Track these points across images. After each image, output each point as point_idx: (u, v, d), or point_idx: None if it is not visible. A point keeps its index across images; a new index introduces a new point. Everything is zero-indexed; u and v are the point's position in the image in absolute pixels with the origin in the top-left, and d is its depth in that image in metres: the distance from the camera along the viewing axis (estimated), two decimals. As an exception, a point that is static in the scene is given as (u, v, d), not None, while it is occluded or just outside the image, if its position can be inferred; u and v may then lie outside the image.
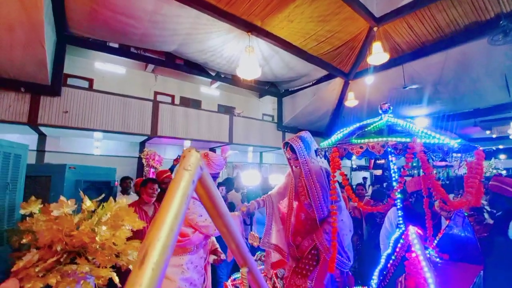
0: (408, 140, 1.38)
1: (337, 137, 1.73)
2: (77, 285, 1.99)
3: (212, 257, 2.24)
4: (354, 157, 1.64)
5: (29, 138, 6.89)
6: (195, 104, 10.15)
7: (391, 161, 1.65)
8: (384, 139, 1.37)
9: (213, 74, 9.17)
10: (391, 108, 1.78)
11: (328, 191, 1.87)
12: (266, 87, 10.62)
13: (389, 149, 1.43)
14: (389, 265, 1.31)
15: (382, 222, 3.47)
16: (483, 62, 6.98)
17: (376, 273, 1.53)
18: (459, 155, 1.44)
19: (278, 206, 2.22)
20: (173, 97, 9.94)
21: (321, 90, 9.40)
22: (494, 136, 10.27)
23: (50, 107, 6.27)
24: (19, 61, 5.14)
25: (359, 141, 1.43)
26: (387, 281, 1.27)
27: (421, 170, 1.89)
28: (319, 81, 9.38)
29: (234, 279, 2.33)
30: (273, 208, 2.16)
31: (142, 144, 8.62)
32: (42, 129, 6.57)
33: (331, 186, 1.74)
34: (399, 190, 1.48)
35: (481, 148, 1.42)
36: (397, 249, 1.27)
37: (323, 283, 1.67)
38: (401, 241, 1.25)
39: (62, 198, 1.96)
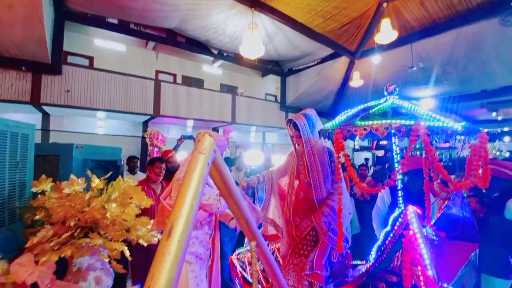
0: (412, 122, 1.39)
1: (341, 119, 1.73)
2: (91, 257, 2.12)
3: (233, 222, 2.28)
4: (357, 138, 1.65)
5: (33, 118, 6.93)
6: (197, 83, 10.02)
7: (394, 142, 1.67)
8: (388, 121, 1.38)
9: (215, 52, 8.96)
10: (397, 89, 1.76)
11: (329, 171, 1.88)
12: (270, 66, 10.38)
13: (392, 131, 1.44)
14: (387, 242, 1.37)
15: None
16: (494, 43, 6.76)
17: (374, 249, 1.60)
18: (462, 137, 1.45)
19: (278, 183, 2.25)
20: (175, 76, 9.80)
21: (325, 69, 9.19)
22: (499, 118, 10.13)
23: (52, 86, 6.25)
24: (19, 39, 5.05)
25: (363, 123, 1.44)
26: (385, 256, 1.34)
27: (424, 151, 1.91)
28: (324, 60, 9.15)
29: (238, 254, 2.45)
30: (272, 184, 2.20)
31: (145, 124, 8.65)
32: (46, 108, 6.60)
33: (336, 167, 1.77)
34: (400, 171, 1.51)
35: (485, 131, 1.43)
36: (396, 227, 1.32)
37: (322, 264, 1.75)
38: (400, 219, 1.31)
39: (72, 176, 2.02)
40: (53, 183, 2.11)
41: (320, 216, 1.81)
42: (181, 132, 8.78)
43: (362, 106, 1.75)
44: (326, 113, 11.60)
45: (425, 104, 8.67)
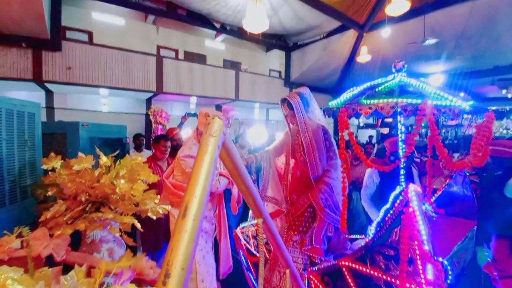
0: (419, 101, 1.37)
1: (346, 97, 1.71)
2: (103, 230, 2.23)
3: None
4: (362, 115, 1.64)
5: (37, 95, 6.94)
6: (199, 59, 9.78)
7: (400, 121, 1.66)
8: (394, 100, 1.36)
9: (218, 26, 8.63)
10: (406, 66, 1.71)
11: (324, 149, 1.89)
12: (274, 40, 10.02)
13: (398, 110, 1.42)
14: (386, 218, 1.42)
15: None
16: (508, 18, 6.37)
17: (373, 224, 1.66)
18: (469, 116, 1.43)
19: (275, 162, 2.29)
20: (176, 51, 9.55)
21: (332, 43, 8.85)
22: (509, 95, 9.84)
23: (53, 63, 6.17)
24: (18, 16, 4.93)
25: (368, 101, 1.42)
26: (383, 231, 1.40)
27: (428, 130, 1.89)
28: (331, 33, 8.78)
29: (243, 227, 2.56)
30: (270, 163, 2.24)
31: (149, 101, 8.61)
32: (48, 86, 6.57)
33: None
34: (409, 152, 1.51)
35: (492, 110, 1.40)
36: (396, 204, 1.36)
37: (321, 238, 1.83)
38: (400, 197, 1.34)
39: (81, 154, 2.07)
40: (63, 161, 2.17)
41: (317, 193, 1.84)
42: (184, 109, 8.75)
43: (368, 84, 1.71)
44: (331, 90, 11.37)
45: (434, 80, 8.42)
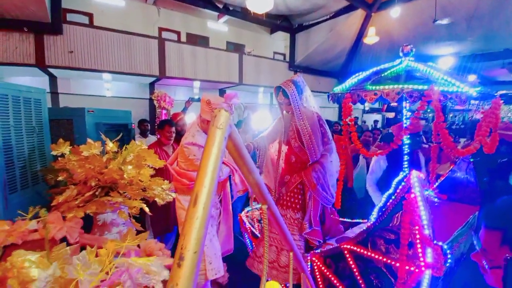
0: (425, 87, 1.35)
1: (352, 82, 1.68)
2: (113, 213, 2.31)
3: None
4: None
5: (40, 81, 6.94)
6: (202, 41, 9.57)
7: (405, 107, 1.64)
8: (400, 86, 1.34)
9: (221, 6, 8.36)
10: (413, 50, 1.67)
11: (319, 135, 1.93)
12: (278, 21, 9.71)
13: (404, 96, 1.41)
14: (388, 204, 1.45)
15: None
16: None
17: (375, 209, 1.70)
18: (477, 102, 1.41)
19: (268, 149, 2.34)
20: (178, 33, 9.34)
21: (338, 24, 8.55)
22: (520, 79, 9.52)
23: (54, 47, 6.12)
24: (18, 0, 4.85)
25: (373, 87, 1.40)
26: (385, 216, 1.43)
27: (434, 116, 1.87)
28: (337, 14, 8.46)
29: (247, 211, 2.63)
30: (264, 151, 2.30)
31: (152, 85, 8.57)
32: (52, 71, 6.55)
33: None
34: (408, 135, 1.51)
35: (500, 95, 1.38)
36: (398, 190, 1.38)
37: (317, 220, 1.93)
38: (403, 183, 1.36)
39: (89, 140, 2.11)
40: (71, 147, 2.22)
41: (310, 171, 1.91)
42: (187, 94, 8.69)
43: (374, 69, 1.68)
44: (337, 73, 11.13)
45: (444, 62, 8.16)
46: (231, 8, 8.56)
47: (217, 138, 0.37)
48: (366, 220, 2.30)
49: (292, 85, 1.95)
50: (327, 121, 3.63)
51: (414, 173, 1.31)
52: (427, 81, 1.48)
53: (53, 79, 7.22)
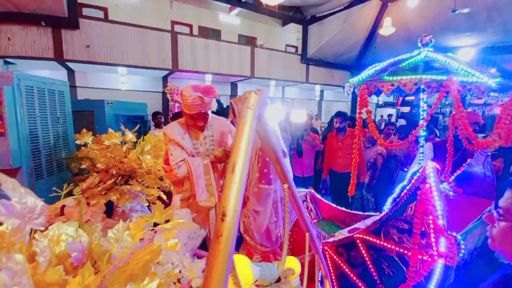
0: (443, 78, 1.34)
1: (368, 73, 1.68)
2: (133, 200, 2.42)
3: None
4: (381, 93, 1.62)
5: (59, 74, 7.18)
6: (214, 34, 9.59)
7: (422, 99, 1.63)
8: (418, 76, 1.33)
9: (232, -2, 8.33)
10: (433, 41, 1.64)
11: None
12: (291, 13, 9.57)
13: (422, 87, 1.40)
14: (402, 194, 1.46)
15: (401, 159, 3.56)
16: None
17: (389, 200, 1.71)
18: (496, 94, 1.38)
19: None
20: (191, 26, 9.39)
21: (353, 15, 8.35)
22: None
23: (72, 41, 6.30)
24: None
25: (391, 78, 1.40)
26: (399, 206, 1.44)
27: (452, 108, 1.85)
28: (352, 4, 8.25)
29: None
30: None
31: (165, 79, 8.70)
32: (70, 64, 6.77)
33: (356, 123, 1.78)
34: (425, 128, 1.51)
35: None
36: (413, 181, 1.39)
37: None
38: (418, 173, 1.36)
39: (110, 130, 2.21)
40: (93, 137, 2.33)
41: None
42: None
43: (391, 60, 1.67)
44: (350, 66, 10.92)
45: (463, 54, 7.85)
46: (243, 0, 8.51)
47: (249, 117, 0.41)
48: (378, 213, 2.31)
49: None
50: (343, 112, 3.61)
51: (430, 163, 1.31)
52: (446, 72, 1.46)
53: (71, 72, 7.46)
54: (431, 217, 1.32)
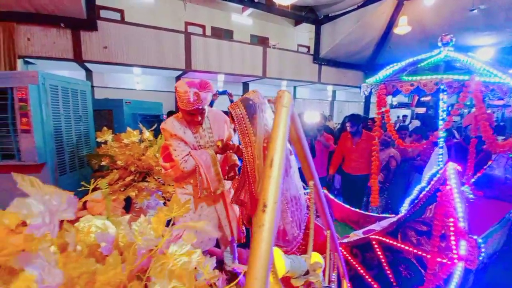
0: (466, 78, 1.31)
1: (386, 73, 1.66)
2: (150, 197, 2.48)
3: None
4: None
5: (78, 75, 7.43)
6: (226, 34, 9.67)
7: (442, 99, 1.59)
8: (439, 76, 1.31)
9: (245, -1, 8.37)
10: (453, 40, 1.60)
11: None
12: (303, 13, 9.52)
13: (442, 87, 1.38)
14: (421, 196, 1.43)
15: (418, 162, 3.48)
16: None
17: (407, 201, 1.68)
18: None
19: None
20: (203, 27, 9.51)
21: (367, 14, 8.22)
22: None
23: (90, 43, 6.50)
24: None
25: (410, 78, 1.39)
26: (417, 208, 1.42)
27: (474, 108, 1.80)
28: (366, 3, 8.12)
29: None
30: None
31: (178, 79, 8.85)
32: (88, 65, 6.99)
33: (375, 123, 1.76)
34: (444, 129, 1.48)
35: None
36: (433, 182, 1.36)
37: None
38: (438, 175, 1.34)
39: (129, 129, 2.28)
40: (113, 135, 2.41)
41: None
42: (215, 88, 8.87)
43: (410, 60, 1.65)
44: (363, 66, 10.75)
45: (482, 53, 7.58)
46: (255, 0, 8.53)
47: (283, 114, 0.43)
48: (393, 215, 2.28)
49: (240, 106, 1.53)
50: (356, 115, 3.55)
51: (451, 164, 1.29)
52: (468, 72, 1.43)
53: (89, 73, 7.71)
54: (451, 219, 1.30)
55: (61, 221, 1.50)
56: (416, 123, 8.44)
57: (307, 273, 0.58)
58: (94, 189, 2.17)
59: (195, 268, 1.04)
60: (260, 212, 0.34)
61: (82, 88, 2.67)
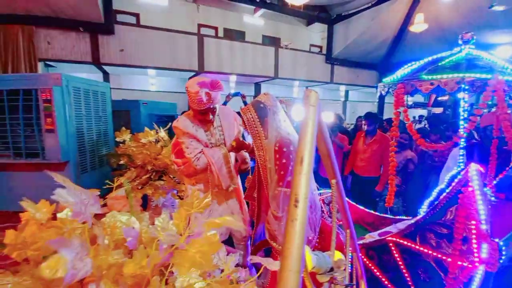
0: (488, 76, 1.27)
1: (404, 73, 1.63)
2: (166, 195, 2.54)
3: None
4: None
5: (96, 77, 7.68)
6: (239, 35, 9.74)
7: (463, 98, 1.55)
8: (461, 75, 1.28)
9: (257, 0, 8.40)
10: (474, 38, 1.56)
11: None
12: (316, 12, 9.45)
13: (464, 86, 1.34)
14: (441, 197, 1.40)
15: (435, 163, 3.39)
16: None
17: (426, 203, 1.64)
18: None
19: None
20: (216, 29, 9.62)
21: (382, 12, 8.05)
22: None
23: (107, 46, 6.72)
24: (73, 1, 5.40)
25: (430, 77, 1.36)
26: (437, 210, 1.38)
27: (494, 108, 1.75)
28: (381, 1, 7.96)
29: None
30: None
31: (191, 80, 8.98)
32: (105, 68, 7.22)
33: (393, 123, 1.72)
34: (469, 130, 1.44)
35: None
36: (453, 184, 1.33)
37: None
38: (459, 176, 1.30)
39: (146, 129, 2.35)
40: (131, 134, 2.49)
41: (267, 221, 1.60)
42: (224, 88, 8.96)
43: (429, 58, 1.61)
44: (377, 66, 10.54)
45: (501, 52, 7.27)
46: (268, 1, 8.55)
47: (311, 113, 0.45)
48: (410, 217, 2.23)
49: (251, 110, 1.50)
50: (374, 114, 3.49)
51: (473, 165, 1.25)
52: (490, 70, 1.39)
53: (106, 75, 7.96)
54: (473, 222, 1.26)
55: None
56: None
57: (331, 269, 0.59)
58: (118, 187, 2.24)
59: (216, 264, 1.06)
60: (293, 207, 0.36)
61: (102, 90, 2.77)
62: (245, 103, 4.66)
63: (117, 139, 2.46)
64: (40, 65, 6.23)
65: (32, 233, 1.14)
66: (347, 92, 12.46)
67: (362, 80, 10.66)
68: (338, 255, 0.68)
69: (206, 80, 1.78)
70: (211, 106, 1.76)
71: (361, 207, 2.58)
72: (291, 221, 0.34)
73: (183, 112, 4.63)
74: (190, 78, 8.87)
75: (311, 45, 11.13)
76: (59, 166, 2.33)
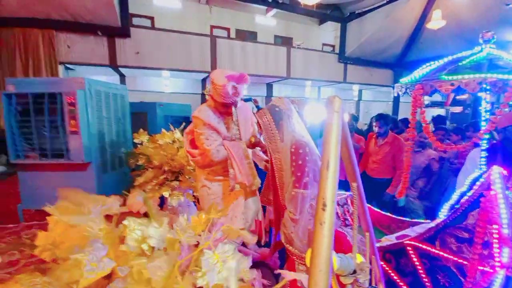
0: (511, 77, 1.24)
1: (423, 73, 1.60)
2: (183, 196, 2.60)
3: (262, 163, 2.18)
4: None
5: (113, 80, 7.92)
6: (251, 36, 9.78)
7: (485, 99, 1.51)
8: (483, 75, 1.25)
9: (270, 0, 8.40)
10: (495, 37, 1.51)
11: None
12: (329, 11, 9.34)
13: (485, 86, 1.31)
14: (462, 201, 1.37)
15: (453, 165, 3.29)
16: None
17: (446, 206, 1.61)
18: None
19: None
20: (228, 30, 9.71)
21: (397, 9, 7.86)
22: None
23: (124, 49, 6.91)
24: (91, 5, 5.59)
25: (450, 77, 1.33)
26: (458, 214, 1.35)
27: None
28: (396, -3, 7.77)
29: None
30: None
31: (204, 81, 9.10)
32: (122, 70, 7.44)
33: (410, 124, 1.70)
34: (489, 130, 1.40)
35: None
36: (475, 187, 1.30)
37: None
38: (481, 179, 1.27)
39: (163, 130, 2.42)
40: (149, 136, 2.56)
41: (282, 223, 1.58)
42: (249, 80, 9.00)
43: (449, 58, 1.58)
44: (392, 64, 10.30)
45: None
46: (280, 1, 8.53)
47: (335, 119, 0.46)
48: (428, 221, 2.18)
49: (267, 113, 1.48)
50: (385, 115, 3.42)
51: (496, 168, 1.22)
52: (511, 71, 1.35)
53: (122, 77, 8.21)
54: (495, 226, 1.23)
55: (109, 216, 1.63)
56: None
57: (354, 272, 0.60)
58: (137, 187, 2.29)
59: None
60: (320, 210, 0.38)
61: (121, 93, 2.88)
62: (258, 107, 4.65)
63: (135, 141, 2.54)
64: (60, 68, 6.50)
65: (60, 233, 1.22)
66: (360, 91, 12.24)
67: (376, 79, 10.44)
68: (359, 258, 0.69)
69: (234, 74, 1.75)
70: (236, 100, 1.74)
71: (377, 209, 2.55)
72: (320, 224, 0.36)
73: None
74: (204, 79, 8.96)
75: (324, 44, 11.01)
76: (82, 167, 2.44)
